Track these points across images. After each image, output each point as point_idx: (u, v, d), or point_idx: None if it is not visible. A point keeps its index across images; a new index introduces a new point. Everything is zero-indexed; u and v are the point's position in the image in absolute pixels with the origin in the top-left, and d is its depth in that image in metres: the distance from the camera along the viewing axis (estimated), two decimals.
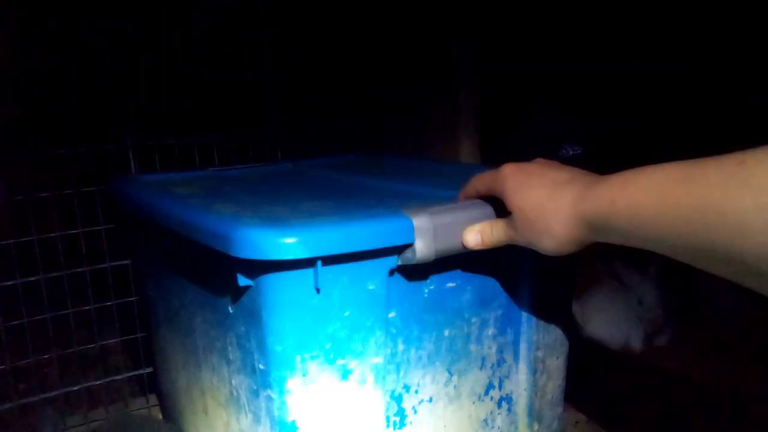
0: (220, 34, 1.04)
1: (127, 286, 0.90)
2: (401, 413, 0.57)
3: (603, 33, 1.30)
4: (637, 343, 1.11)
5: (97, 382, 0.91)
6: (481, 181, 0.55)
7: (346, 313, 0.51)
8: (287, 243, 0.46)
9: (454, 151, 1.07)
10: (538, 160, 0.55)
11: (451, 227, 0.53)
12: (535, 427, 0.67)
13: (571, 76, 1.31)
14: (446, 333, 0.58)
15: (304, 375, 0.51)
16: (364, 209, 0.59)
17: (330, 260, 0.49)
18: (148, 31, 0.99)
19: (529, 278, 0.61)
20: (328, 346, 0.51)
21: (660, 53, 1.28)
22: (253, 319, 0.51)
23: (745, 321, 1.14)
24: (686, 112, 1.31)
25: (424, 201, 0.58)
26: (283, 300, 0.49)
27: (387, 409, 0.56)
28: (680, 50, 1.26)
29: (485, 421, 0.63)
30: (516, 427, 0.66)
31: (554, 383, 0.67)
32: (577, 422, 0.89)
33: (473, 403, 0.62)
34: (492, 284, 0.60)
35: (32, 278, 0.84)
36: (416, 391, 0.57)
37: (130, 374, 0.93)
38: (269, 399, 0.52)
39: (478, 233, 0.53)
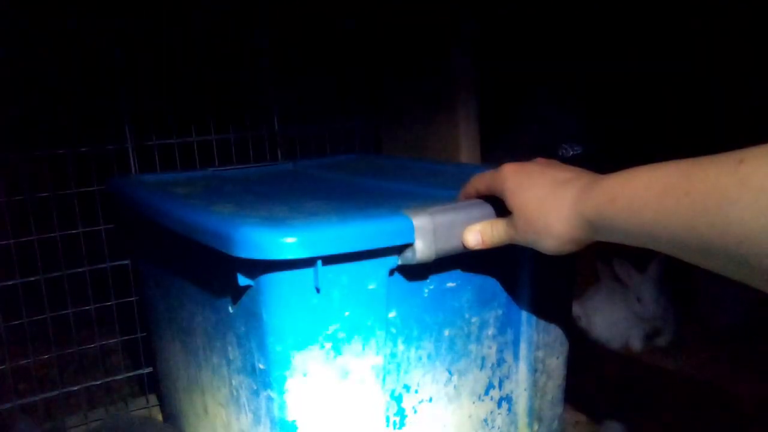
0: (220, 34, 1.04)
1: (127, 286, 0.90)
2: (401, 413, 0.57)
3: (603, 33, 1.30)
4: (636, 343, 1.11)
5: (97, 382, 0.91)
6: (481, 181, 0.55)
7: (346, 313, 0.51)
8: (287, 243, 0.46)
9: (454, 151, 1.07)
10: (538, 159, 0.55)
11: (451, 227, 0.53)
12: (535, 427, 0.67)
13: (571, 76, 1.31)
14: (446, 333, 0.58)
15: (304, 375, 0.51)
16: (364, 209, 0.59)
17: (330, 260, 0.49)
18: (148, 31, 0.99)
19: (529, 278, 0.61)
20: (328, 346, 0.51)
21: (660, 53, 1.28)
22: (253, 318, 0.51)
23: (744, 321, 1.15)
24: (686, 111, 1.31)
25: (424, 201, 0.58)
26: (283, 300, 0.49)
27: (387, 409, 0.56)
28: (680, 50, 1.26)
29: (485, 421, 0.63)
30: (516, 427, 0.66)
31: (554, 383, 0.67)
32: (577, 422, 0.89)
33: (473, 403, 0.62)
34: (492, 284, 0.60)
35: (32, 278, 0.84)
36: (416, 391, 0.57)
37: (130, 374, 0.93)
38: (269, 399, 0.52)
39: (479, 233, 0.53)
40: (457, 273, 0.57)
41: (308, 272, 0.49)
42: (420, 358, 0.57)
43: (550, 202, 0.48)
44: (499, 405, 0.64)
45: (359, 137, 1.12)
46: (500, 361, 0.63)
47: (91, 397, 0.93)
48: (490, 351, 0.61)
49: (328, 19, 1.13)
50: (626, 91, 1.31)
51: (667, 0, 1.24)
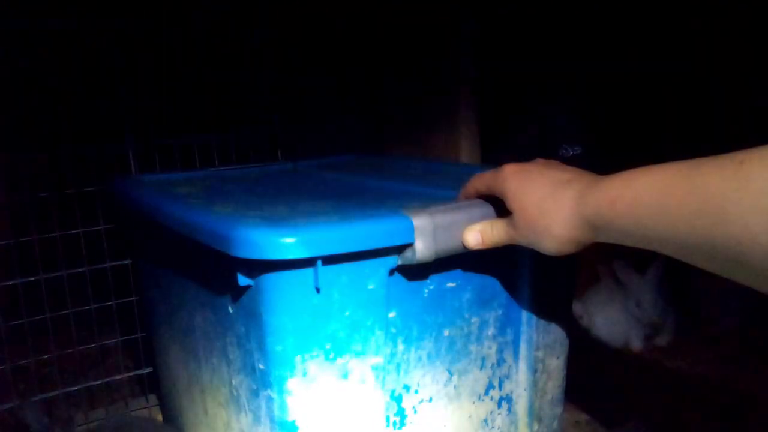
0: (220, 34, 1.04)
1: (127, 286, 0.90)
2: (401, 413, 0.57)
3: (603, 33, 1.30)
4: (636, 343, 1.11)
5: (97, 382, 0.91)
6: (482, 181, 0.55)
7: (346, 313, 0.51)
8: (287, 243, 0.46)
9: (454, 151, 1.07)
10: (539, 160, 0.55)
11: (451, 227, 0.53)
12: (535, 427, 0.67)
13: (571, 76, 1.31)
14: (446, 333, 0.58)
15: (304, 375, 0.51)
16: (364, 209, 0.59)
17: (330, 260, 0.49)
18: (148, 31, 0.99)
19: (529, 278, 0.61)
20: (328, 346, 0.51)
21: (660, 53, 1.28)
22: (253, 318, 0.51)
23: (744, 320, 1.15)
24: (686, 111, 1.31)
25: (424, 201, 0.58)
26: (283, 300, 0.49)
27: (387, 409, 0.56)
28: (680, 50, 1.26)
29: (485, 421, 0.63)
30: (516, 427, 0.66)
31: (554, 383, 0.67)
32: (577, 422, 0.89)
33: (473, 403, 0.62)
34: (492, 284, 0.60)
35: (32, 278, 0.84)
36: (416, 391, 0.57)
37: (130, 374, 0.93)
38: (269, 399, 0.52)
39: (479, 233, 0.53)
40: (457, 273, 0.57)
41: (308, 272, 0.49)
42: (420, 358, 0.57)
43: (551, 203, 0.48)
44: (499, 405, 0.64)
45: (359, 137, 1.12)
46: (500, 361, 0.63)
47: (91, 397, 0.93)
48: (490, 351, 0.61)
49: (328, 19, 1.13)
50: (626, 92, 1.31)
51: (667, 0, 1.24)
